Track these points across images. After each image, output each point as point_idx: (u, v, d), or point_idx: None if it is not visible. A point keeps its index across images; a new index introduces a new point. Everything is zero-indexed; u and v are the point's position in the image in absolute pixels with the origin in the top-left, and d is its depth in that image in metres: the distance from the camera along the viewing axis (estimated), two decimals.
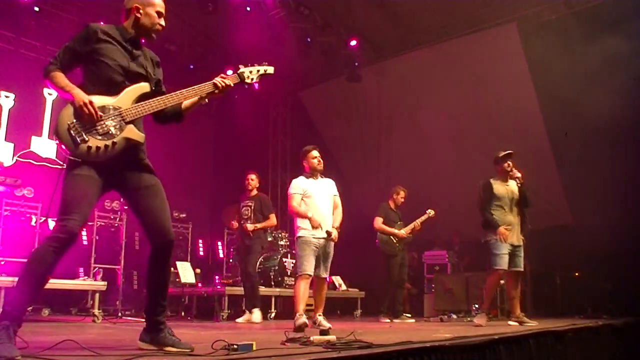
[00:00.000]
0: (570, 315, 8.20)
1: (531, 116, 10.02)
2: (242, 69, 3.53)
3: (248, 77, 3.52)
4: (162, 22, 3.32)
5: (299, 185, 6.22)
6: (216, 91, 3.32)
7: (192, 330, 5.46)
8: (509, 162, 6.86)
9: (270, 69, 3.61)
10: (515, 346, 3.94)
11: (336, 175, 11.62)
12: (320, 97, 12.82)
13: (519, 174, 6.87)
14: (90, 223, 8.33)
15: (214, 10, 9.23)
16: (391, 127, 11.86)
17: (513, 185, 6.92)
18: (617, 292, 8.80)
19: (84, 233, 8.47)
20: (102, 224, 8.65)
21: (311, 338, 3.39)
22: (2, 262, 6.97)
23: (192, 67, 11.19)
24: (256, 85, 3.61)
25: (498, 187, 6.89)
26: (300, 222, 6.05)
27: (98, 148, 2.93)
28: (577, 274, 9.91)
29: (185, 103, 3.32)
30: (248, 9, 9.65)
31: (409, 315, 8.72)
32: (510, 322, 6.68)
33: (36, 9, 9.09)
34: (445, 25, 10.62)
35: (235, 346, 2.85)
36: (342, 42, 10.96)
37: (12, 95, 9.06)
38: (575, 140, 9.05)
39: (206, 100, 3.40)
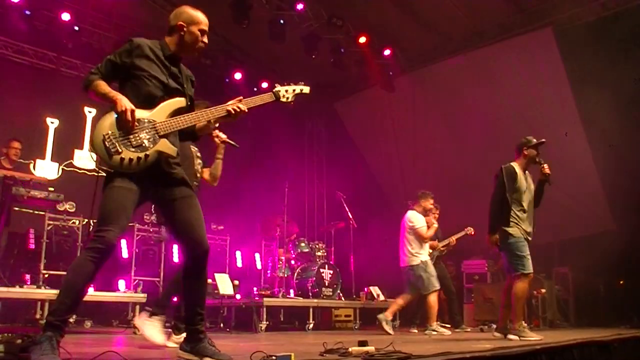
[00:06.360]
0: (616, 325, 8.00)
1: (571, 123, 9.80)
2: (277, 87, 3.52)
3: (284, 96, 3.52)
4: (205, 39, 3.38)
5: None
6: (230, 118, 3.31)
7: (230, 341, 5.48)
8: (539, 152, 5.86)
9: (306, 89, 3.59)
10: (558, 357, 3.85)
11: (375, 187, 11.67)
12: (356, 107, 12.82)
13: (548, 170, 5.72)
14: (130, 236, 8.47)
15: (248, 24, 9.33)
16: (426, 137, 11.78)
17: (530, 179, 5.89)
18: None
19: (124, 246, 8.60)
20: (142, 236, 8.77)
21: (350, 349, 3.37)
22: (47, 275, 7.15)
23: (227, 80, 11.30)
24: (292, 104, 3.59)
25: (520, 177, 5.71)
26: None
27: (131, 160, 2.98)
28: (621, 282, 9.67)
29: (199, 125, 3.32)
30: (282, 22, 9.72)
31: (449, 325, 8.52)
32: (510, 336, 5.59)
33: (76, 28, 9.34)
34: (479, 32, 10.54)
35: (273, 357, 2.87)
36: (376, 52, 10.96)
37: (56, 121, 9.25)
38: (617, 146, 8.83)
39: (217, 125, 3.40)
